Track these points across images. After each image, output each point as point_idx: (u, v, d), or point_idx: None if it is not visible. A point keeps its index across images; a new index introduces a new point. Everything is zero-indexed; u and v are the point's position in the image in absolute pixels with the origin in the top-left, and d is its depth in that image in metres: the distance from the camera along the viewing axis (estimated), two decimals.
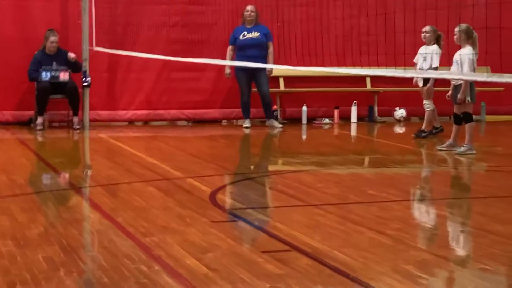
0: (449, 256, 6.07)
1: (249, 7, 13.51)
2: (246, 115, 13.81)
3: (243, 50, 13.50)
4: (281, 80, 14.55)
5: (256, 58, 13.05)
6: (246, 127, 13.64)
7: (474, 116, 11.06)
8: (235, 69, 13.43)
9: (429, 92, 12.30)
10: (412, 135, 12.47)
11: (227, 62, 13.10)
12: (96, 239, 6.35)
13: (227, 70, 13.68)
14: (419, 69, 12.03)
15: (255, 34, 13.67)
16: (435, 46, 11.98)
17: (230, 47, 13.65)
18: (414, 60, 12.22)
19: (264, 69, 13.17)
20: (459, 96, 10.76)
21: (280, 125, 13.78)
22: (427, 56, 11.85)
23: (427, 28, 11.92)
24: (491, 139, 12.50)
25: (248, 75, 13.59)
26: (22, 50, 13.31)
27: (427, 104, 12.32)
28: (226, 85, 14.21)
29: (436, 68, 11.78)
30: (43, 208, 7.48)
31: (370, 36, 10.55)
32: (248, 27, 13.74)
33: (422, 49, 12.22)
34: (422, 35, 12.11)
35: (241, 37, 13.69)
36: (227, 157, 11.05)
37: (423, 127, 12.39)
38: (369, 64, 10.89)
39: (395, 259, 5.67)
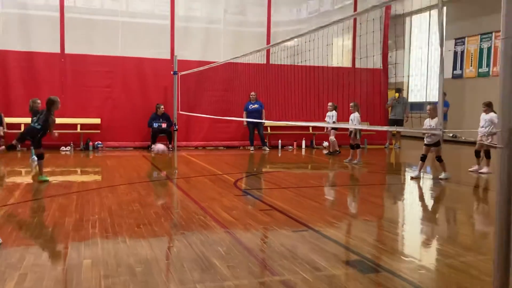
0: (348, 213, 6.09)
1: (252, 93, 13.58)
2: (251, 144, 13.81)
3: (250, 113, 13.49)
4: (269, 128, 14.57)
5: (257, 117, 13.07)
6: (252, 150, 13.62)
7: (361, 145, 11.07)
8: (248, 122, 13.45)
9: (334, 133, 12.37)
10: (327, 154, 12.49)
11: (243, 119, 13.09)
12: (179, 203, 6.37)
13: (244, 123, 13.71)
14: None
15: (256, 106, 13.67)
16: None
17: (244, 112, 13.66)
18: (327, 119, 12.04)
19: (261, 122, 13.20)
20: (352, 135, 10.81)
21: (268, 149, 13.75)
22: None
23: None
24: (369, 157, 12.47)
25: (253, 126, 13.60)
26: (144, 112, 13.34)
27: (332, 138, 12.41)
28: (241, 130, 14.20)
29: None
30: (153, 188, 7.50)
31: (312, 106, 10.60)
32: (252, 102, 13.75)
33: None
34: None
35: (249, 107, 13.70)
36: (242, 164, 11.07)
37: (331, 150, 12.44)
38: (312, 120, 10.92)
39: (322, 214, 5.67)
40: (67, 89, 12.93)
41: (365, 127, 10.20)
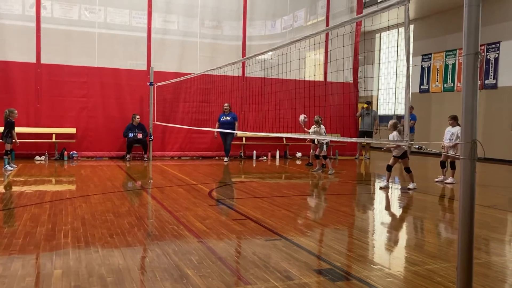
0: (320, 221, 6.08)
1: (225, 105, 13.40)
2: (226, 155, 13.71)
3: (222, 125, 13.21)
4: (244, 139, 14.56)
5: (228, 129, 12.85)
6: (226, 161, 13.53)
7: (332, 156, 11.14)
8: (220, 133, 13.38)
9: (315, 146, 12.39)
10: (305, 165, 12.52)
11: (215, 130, 12.92)
12: (153, 213, 6.26)
13: (215, 134, 13.50)
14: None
15: (228, 118, 13.40)
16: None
17: (217, 124, 13.50)
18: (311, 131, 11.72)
19: (232, 133, 13.11)
20: (321, 148, 10.94)
21: (227, 161, 13.42)
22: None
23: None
24: (340, 167, 12.57)
25: (224, 136, 13.54)
26: (120, 123, 13.17)
27: (312, 151, 12.43)
28: (217, 140, 14.10)
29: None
30: (128, 198, 7.34)
31: (285, 119, 10.66)
32: (226, 113, 13.59)
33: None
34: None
35: (222, 119, 13.46)
36: (217, 174, 10.97)
37: (310, 160, 12.46)
38: (285, 131, 10.95)
39: (294, 223, 5.66)
40: (43, 99, 12.68)
41: (335, 138, 10.27)
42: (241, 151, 14.57)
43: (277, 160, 14.20)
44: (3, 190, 7.57)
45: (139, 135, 13.06)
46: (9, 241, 4.54)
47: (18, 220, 5.42)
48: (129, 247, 4.44)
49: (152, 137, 13.28)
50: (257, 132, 12.18)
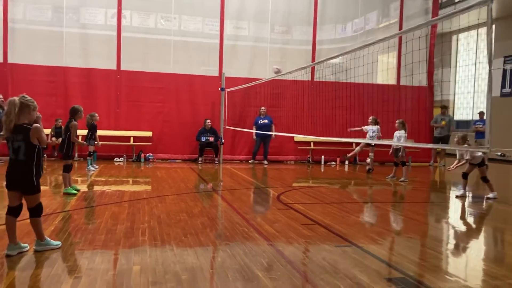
0: (392, 230, 5.94)
1: (262, 108, 13.66)
2: (253, 157, 13.90)
3: (260, 128, 13.42)
4: (312, 143, 14.48)
5: (266, 131, 13.14)
6: (266, 164, 13.61)
7: (406, 163, 10.83)
8: (256, 136, 13.65)
9: (372, 151, 12.08)
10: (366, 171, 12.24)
11: (250, 131, 12.98)
12: (223, 214, 6.41)
13: (254, 137, 13.77)
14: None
15: (265, 121, 13.58)
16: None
17: (254, 127, 13.66)
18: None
19: (269, 138, 13.47)
20: (400, 153, 10.61)
21: (267, 163, 13.41)
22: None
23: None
24: (414, 174, 12.12)
25: (261, 140, 13.69)
26: (192, 127, 13.64)
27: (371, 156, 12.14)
28: (285, 144, 14.09)
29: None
30: (200, 199, 7.58)
31: (356, 122, 10.46)
32: (262, 117, 13.69)
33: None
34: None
35: (259, 122, 13.64)
36: (284, 178, 10.99)
37: (370, 167, 12.17)
38: (356, 137, 10.74)
39: (365, 230, 5.57)
40: (122, 104, 13.43)
41: (409, 144, 9.90)
42: (309, 156, 14.50)
43: (346, 166, 13.98)
44: (86, 189, 8.11)
45: (211, 139, 13.44)
46: (93, 237, 4.86)
47: (100, 218, 5.79)
48: (202, 247, 4.60)
49: (222, 141, 13.61)
50: (325, 137, 12.07)
